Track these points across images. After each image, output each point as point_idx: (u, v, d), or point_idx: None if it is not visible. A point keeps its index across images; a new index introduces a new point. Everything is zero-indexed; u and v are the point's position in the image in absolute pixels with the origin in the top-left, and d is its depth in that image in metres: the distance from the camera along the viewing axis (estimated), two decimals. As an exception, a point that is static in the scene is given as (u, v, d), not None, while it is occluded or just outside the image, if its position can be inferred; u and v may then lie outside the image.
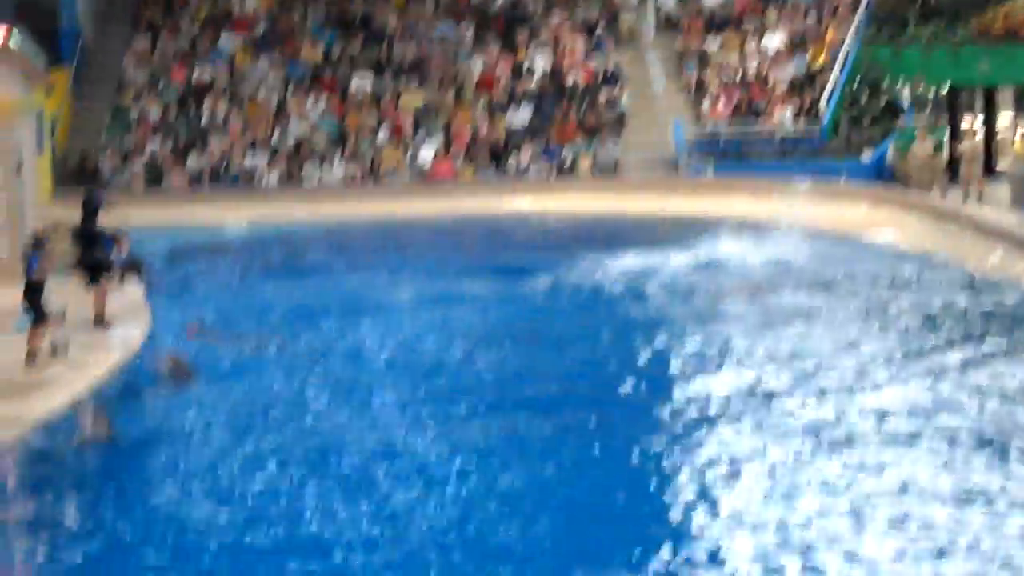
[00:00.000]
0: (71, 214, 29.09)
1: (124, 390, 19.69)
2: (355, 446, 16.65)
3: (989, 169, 40.72)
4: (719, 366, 20.23)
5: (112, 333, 23.01)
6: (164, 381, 20.76)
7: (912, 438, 16.13)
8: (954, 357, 20.10)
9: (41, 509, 14.66)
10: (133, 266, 24.22)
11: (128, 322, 23.92)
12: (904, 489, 14.24)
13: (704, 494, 14.29)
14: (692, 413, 17.62)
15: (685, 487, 14.63)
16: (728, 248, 32.24)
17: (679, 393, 18.71)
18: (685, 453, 15.92)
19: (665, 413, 17.72)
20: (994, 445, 15.72)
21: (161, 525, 13.85)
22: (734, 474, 14.97)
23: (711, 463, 15.39)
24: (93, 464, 16.34)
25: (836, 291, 26.31)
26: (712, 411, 17.66)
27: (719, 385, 19.00)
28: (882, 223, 34.70)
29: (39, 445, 16.69)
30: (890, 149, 40.86)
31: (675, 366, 20.45)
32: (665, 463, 15.62)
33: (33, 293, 20.57)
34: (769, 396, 18.38)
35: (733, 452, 15.79)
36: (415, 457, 16.06)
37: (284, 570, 12.42)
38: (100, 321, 23.51)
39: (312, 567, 12.47)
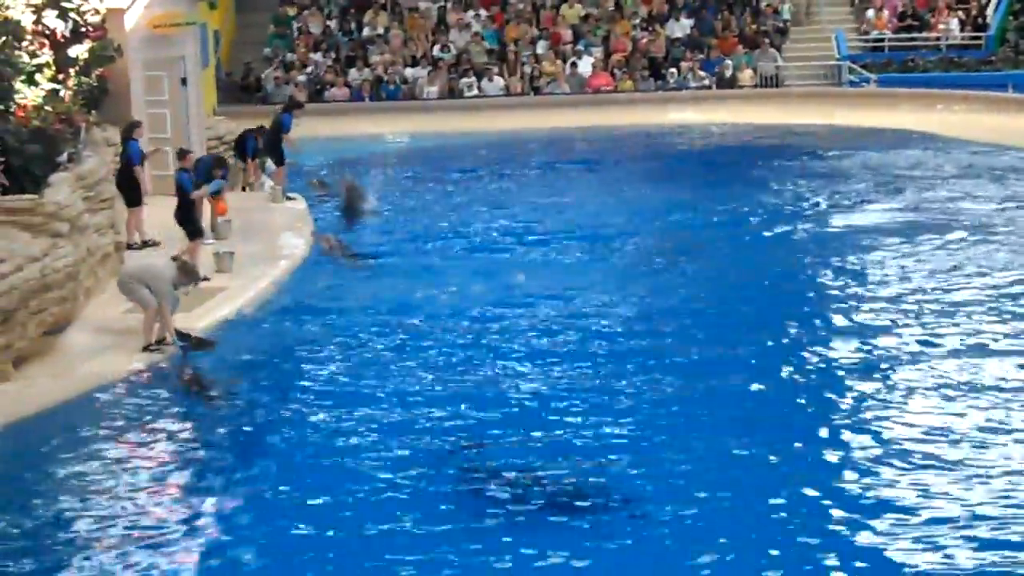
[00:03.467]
0: (234, 127, 29.69)
1: (291, 300, 20.02)
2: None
3: None
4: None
5: (278, 243, 23.34)
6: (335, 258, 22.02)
7: None
8: None
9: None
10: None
11: (293, 233, 24.28)
12: None
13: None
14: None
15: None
16: (894, 159, 31.99)
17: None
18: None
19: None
20: None
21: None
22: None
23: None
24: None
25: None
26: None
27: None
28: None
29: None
30: (1060, 59, 39.93)
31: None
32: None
33: (186, 210, 20.91)
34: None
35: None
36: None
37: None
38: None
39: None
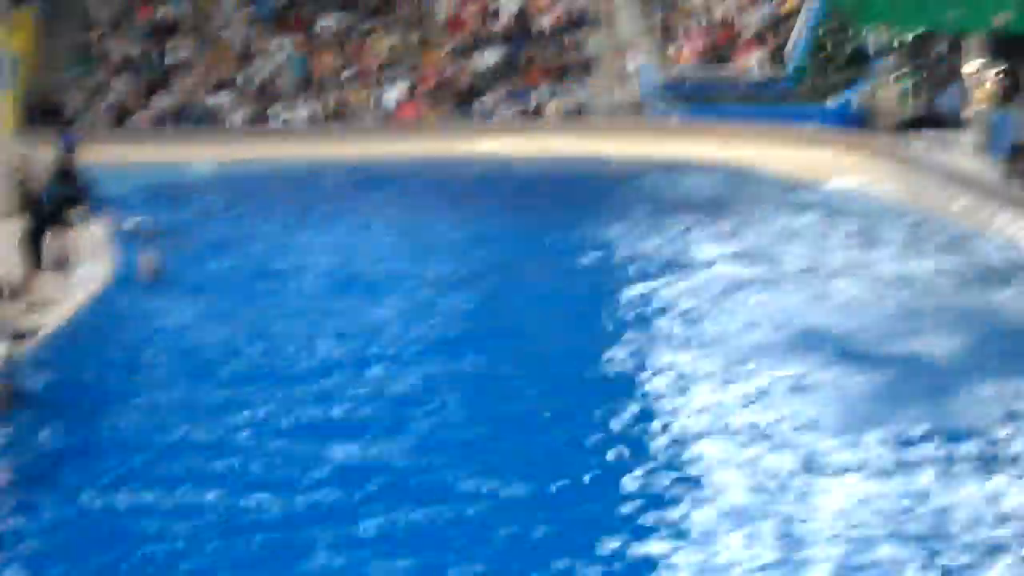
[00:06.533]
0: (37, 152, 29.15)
1: (88, 330, 19.78)
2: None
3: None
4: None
5: (77, 273, 22.98)
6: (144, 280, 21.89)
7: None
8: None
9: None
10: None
11: (92, 263, 23.92)
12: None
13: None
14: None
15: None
16: (694, 190, 32.57)
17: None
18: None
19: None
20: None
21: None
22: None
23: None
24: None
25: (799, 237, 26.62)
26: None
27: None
28: (849, 169, 34.81)
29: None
30: (856, 96, 40.93)
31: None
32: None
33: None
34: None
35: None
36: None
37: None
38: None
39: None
